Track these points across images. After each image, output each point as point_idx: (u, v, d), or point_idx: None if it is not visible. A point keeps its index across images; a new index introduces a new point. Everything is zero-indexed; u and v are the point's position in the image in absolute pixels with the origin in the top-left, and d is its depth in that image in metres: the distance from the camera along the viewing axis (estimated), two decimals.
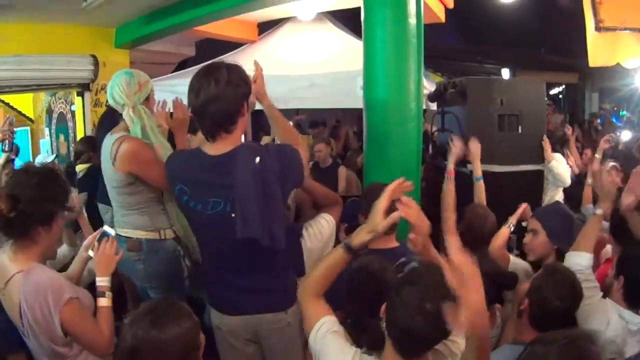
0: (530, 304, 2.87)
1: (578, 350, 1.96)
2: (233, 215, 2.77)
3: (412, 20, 4.23)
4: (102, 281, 2.88)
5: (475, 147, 4.64)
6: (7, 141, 5.13)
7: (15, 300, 2.58)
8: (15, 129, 5.40)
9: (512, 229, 4.08)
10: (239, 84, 2.86)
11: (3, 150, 5.21)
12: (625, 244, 3.32)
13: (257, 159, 2.79)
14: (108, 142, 3.48)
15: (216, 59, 3.07)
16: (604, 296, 3.12)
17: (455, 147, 4.59)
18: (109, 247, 2.95)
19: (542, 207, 4.46)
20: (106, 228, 3.08)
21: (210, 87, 2.77)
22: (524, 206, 4.16)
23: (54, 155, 9.55)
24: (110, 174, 3.48)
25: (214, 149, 2.90)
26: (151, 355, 2.18)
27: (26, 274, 2.59)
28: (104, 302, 2.85)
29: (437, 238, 4.00)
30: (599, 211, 3.25)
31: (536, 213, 3.95)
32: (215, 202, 2.84)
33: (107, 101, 3.75)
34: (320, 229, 3.74)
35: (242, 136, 3.08)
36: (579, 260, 3.13)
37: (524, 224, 4.15)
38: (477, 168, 4.60)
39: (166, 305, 2.37)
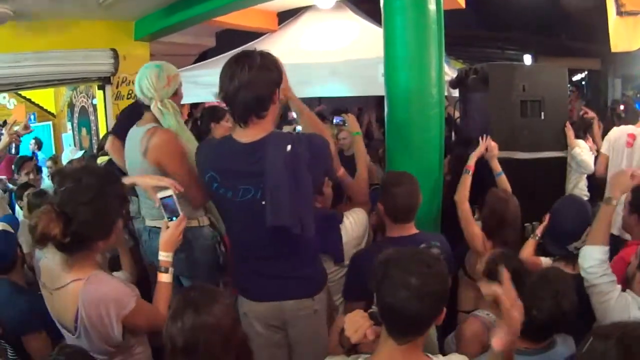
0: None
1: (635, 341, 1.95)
2: (263, 202, 2.79)
3: (432, 7, 4.19)
4: (167, 257, 2.90)
5: (492, 147, 4.60)
6: (14, 144, 5.19)
7: (71, 306, 2.53)
8: (24, 133, 5.44)
9: (537, 239, 4.03)
10: (272, 70, 2.89)
11: (9, 153, 5.28)
12: None
13: (289, 147, 2.80)
14: (137, 133, 3.51)
15: (240, 48, 3.08)
16: (625, 286, 3.07)
17: (480, 147, 4.55)
18: (176, 226, 2.93)
19: None
20: (162, 194, 2.99)
21: (244, 73, 2.79)
22: (548, 218, 4.11)
23: (82, 151, 9.60)
24: (140, 164, 3.49)
25: (245, 136, 2.92)
26: (209, 341, 2.20)
27: (87, 282, 2.52)
28: (165, 277, 2.88)
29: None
30: (613, 201, 3.11)
31: None
32: (246, 190, 2.86)
33: (128, 94, 3.79)
34: (359, 219, 3.77)
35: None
36: (595, 254, 3.04)
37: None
38: (495, 165, 4.57)
39: (200, 291, 2.40)
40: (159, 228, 3.54)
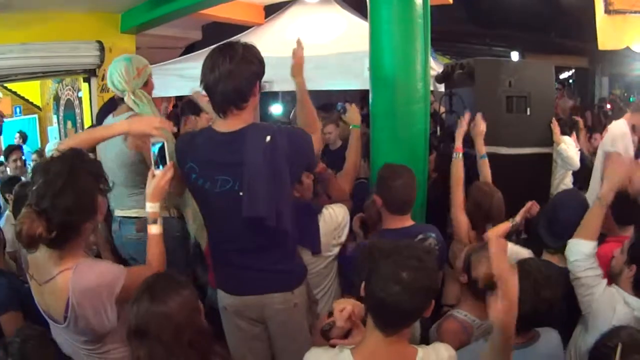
0: None
1: None
2: (241, 194, 2.79)
3: (418, 1, 4.18)
4: (153, 207, 2.87)
5: (479, 124, 4.58)
6: None
7: (61, 297, 2.51)
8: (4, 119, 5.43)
9: (514, 225, 4.01)
10: (253, 62, 2.89)
11: None
12: (638, 231, 3.24)
13: (268, 138, 2.82)
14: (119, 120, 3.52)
15: (226, 41, 3.08)
16: (610, 281, 3.09)
17: (462, 125, 4.55)
18: (162, 175, 2.89)
19: None
20: (154, 140, 2.96)
21: (225, 64, 2.81)
22: (530, 204, 4.09)
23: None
24: (119, 152, 3.53)
25: (224, 126, 2.93)
26: (159, 328, 2.24)
27: (75, 272, 2.50)
28: (155, 229, 2.88)
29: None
30: (604, 200, 3.13)
31: None
32: (224, 180, 2.86)
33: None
34: (339, 211, 3.77)
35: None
36: (582, 248, 3.06)
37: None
38: (480, 145, 4.57)
39: (162, 278, 2.45)
40: (129, 218, 3.55)
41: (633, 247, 3.04)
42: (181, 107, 5.60)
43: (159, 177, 2.88)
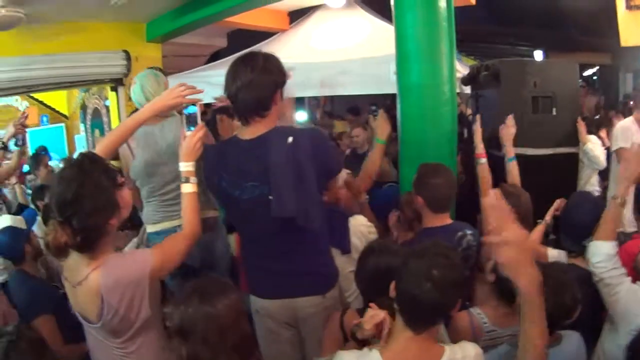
0: None
1: None
2: (270, 197, 2.83)
3: (442, 4, 4.22)
4: (187, 167, 2.94)
5: (509, 126, 4.59)
6: (20, 136, 5.24)
7: (94, 296, 2.54)
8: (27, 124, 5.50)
9: (546, 226, 4.04)
10: (274, 72, 2.94)
11: (16, 144, 5.33)
12: None
13: (290, 139, 2.86)
14: (163, 127, 3.79)
15: (249, 49, 3.14)
16: (637, 277, 3.10)
17: (477, 130, 4.55)
18: (194, 134, 2.99)
19: None
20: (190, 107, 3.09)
21: (246, 74, 2.87)
22: (559, 202, 4.11)
23: None
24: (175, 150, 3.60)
25: (247, 133, 2.99)
26: (205, 329, 2.28)
27: (103, 268, 2.54)
28: (189, 187, 2.94)
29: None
30: (620, 198, 3.10)
31: None
32: (253, 187, 2.90)
33: None
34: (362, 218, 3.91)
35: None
36: (602, 249, 3.05)
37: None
38: (509, 149, 4.54)
39: (211, 281, 2.50)
40: (158, 233, 3.63)
41: None
42: (215, 109, 5.67)
43: (191, 137, 2.99)
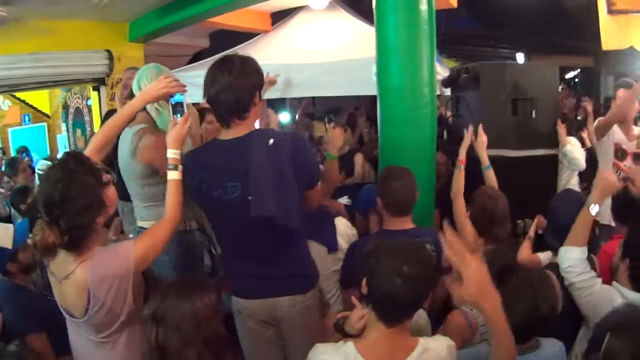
0: None
1: None
2: (249, 198, 2.85)
3: (424, 7, 4.23)
4: (175, 154, 2.97)
5: (481, 135, 4.63)
6: None
7: (81, 288, 2.55)
8: None
9: (531, 240, 4.09)
10: (252, 74, 2.98)
11: None
12: (631, 226, 3.29)
13: (271, 141, 2.89)
14: (127, 135, 3.56)
15: (230, 50, 3.16)
16: (612, 277, 3.14)
17: (466, 138, 4.60)
18: (183, 122, 3.03)
19: None
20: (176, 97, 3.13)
21: (224, 77, 2.90)
22: (538, 218, 4.17)
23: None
24: (130, 165, 3.57)
25: (228, 135, 3.01)
26: (180, 319, 2.34)
27: (90, 262, 2.56)
28: (174, 175, 2.96)
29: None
30: (594, 207, 3.15)
31: None
32: (233, 187, 2.91)
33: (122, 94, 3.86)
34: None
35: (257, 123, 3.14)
36: (572, 254, 3.10)
37: (540, 231, 4.18)
38: (484, 158, 4.58)
39: (192, 281, 2.58)
40: (145, 229, 3.62)
41: (624, 244, 3.11)
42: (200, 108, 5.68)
43: (180, 124, 3.02)
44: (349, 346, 2.33)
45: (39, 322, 3.58)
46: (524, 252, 4.00)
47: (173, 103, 3.10)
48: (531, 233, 4.12)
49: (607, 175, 3.23)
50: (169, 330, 2.33)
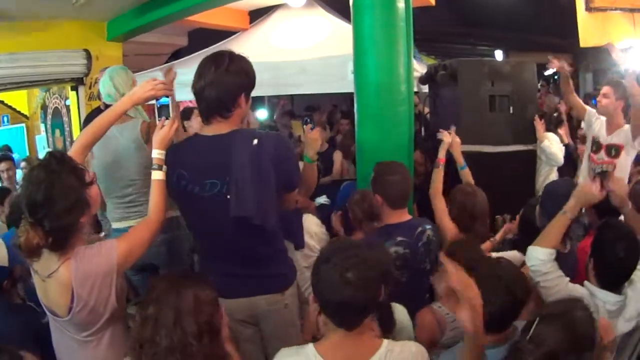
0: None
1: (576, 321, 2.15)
2: (228, 197, 2.83)
3: (401, 4, 4.26)
4: (161, 154, 2.96)
5: (454, 137, 4.64)
6: None
7: (65, 286, 2.55)
8: None
9: (493, 242, 4.12)
10: (239, 74, 2.94)
11: None
12: (599, 228, 3.30)
13: (255, 141, 2.85)
14: (123, 130, 3.69)
15: (209, 49, 3.15)
16: (586, 277, 3.16)
17: (445, 139, 4.61)
18: (171, 125, 3.02)
19: None
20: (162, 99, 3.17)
21: (210, 72, 2.88)
22: (508, 225, 4.25)
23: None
24: (139, 157, 3.70)
25: (210, 131, 2.98)
26: (177, 299, 2.27)
27: (74, 260, 2.56)
28: (159, 175, 2.94)
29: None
30: (570, 214, 3.18)
31: None
32: (212, 184, 2.89)
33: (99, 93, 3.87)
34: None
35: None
36: (539, 255, 3.11)
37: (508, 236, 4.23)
38: (459, 158, 4.62)
39: (188, 273, 2.64)
40: (124, 229, 3.63)
41: (593, 242, 3.16)
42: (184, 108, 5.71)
43: (167, 126, 3.00)
44: (309, 348, 2.32)
45: (30, 341, 3.55)
46: (485, 246, 4.00)
47: (159, 105, 3.10)
48: (498, 237, 4.15)
49: (588, 189, 3.23)
50: (164, 309, 2.25)
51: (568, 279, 3.10)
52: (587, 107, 5.84)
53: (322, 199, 4.91)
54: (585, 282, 3.10)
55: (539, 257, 3.09)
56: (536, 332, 2.14)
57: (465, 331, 2.24)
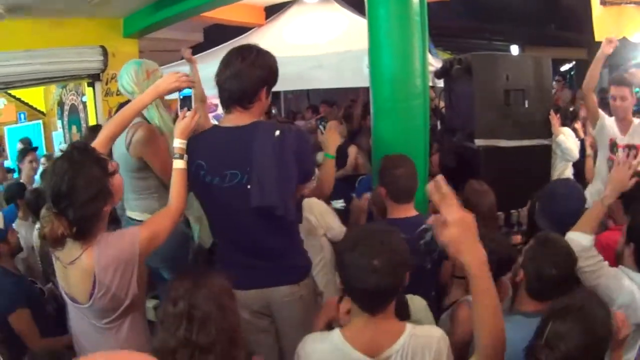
0: (525, 274, 2.89)
1: (592, 319, 2.14)
2: (249, 187, 2.86)
3: None
4: (182, 144, 3.00)
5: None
6: None
7: (87, 273, 2.60)
8: None
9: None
10: (263, 68, 3.01)
11: None
12: (633, 212, 3.32)
13: (277, 132, 2.90)
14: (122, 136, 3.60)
15: (225, 45, 3.20)
16: (617, 263, 3.18)
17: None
18: (192, 116, 3.07)
19: None
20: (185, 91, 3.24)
21: (237, 63, 2.95)
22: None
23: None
24: (124, 159, 3.60)
25: (230, 122, 3.03)
26: (196, 301, 2.29)
27: (97, 247, 2.61)
28: (180, 164, 2.99)
29: None
30: (607, 201, 3.25)
31: None
32: (232, 174, 2.92)
33: (118, 90, 3.91)
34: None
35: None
36: (581, 241, 3.11)
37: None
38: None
39: (204, 273, 2.56)
40: (134, 220, 3.66)
41: (629, 228, 3.17)
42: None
43: (189, 117, 3.05)
44: (336, 333, 2.36)
45: (21, 300, 3.68)
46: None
47: (182, 97, 3.15)
48: None
49: (623, 175, 3.27)
50: (198, 324, 2.26)
51: (607, 263, 3.14)
52: (600, 111, 5.81)
53: (339, 204, 4.93)
54: (621, 267, 3.14)
55: (581, 243, 3.10)
56: (551, 333, 2.14)
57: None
